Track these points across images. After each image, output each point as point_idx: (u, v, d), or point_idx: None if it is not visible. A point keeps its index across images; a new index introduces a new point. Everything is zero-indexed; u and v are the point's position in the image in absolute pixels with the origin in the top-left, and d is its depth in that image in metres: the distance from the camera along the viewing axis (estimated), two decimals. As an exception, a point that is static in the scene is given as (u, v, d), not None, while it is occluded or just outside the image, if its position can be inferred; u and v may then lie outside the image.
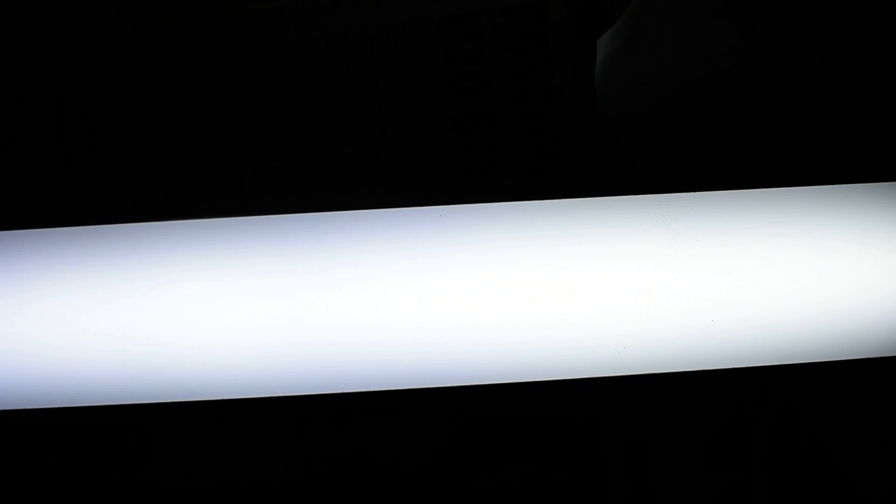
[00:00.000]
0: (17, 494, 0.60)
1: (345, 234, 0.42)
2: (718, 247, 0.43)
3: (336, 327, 0.42)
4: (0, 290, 0.42)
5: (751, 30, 0.52)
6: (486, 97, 0.59)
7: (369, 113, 0.59)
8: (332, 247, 0.42)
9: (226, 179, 0.59)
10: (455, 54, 0.59)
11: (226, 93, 0.59)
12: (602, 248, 0.42)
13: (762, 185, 0.43)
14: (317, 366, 0.43)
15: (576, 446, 0.60)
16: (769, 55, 0.52)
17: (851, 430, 0.57)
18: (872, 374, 0.48)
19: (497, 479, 0.60)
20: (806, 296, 0.43)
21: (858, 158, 0.53)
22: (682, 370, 0.43)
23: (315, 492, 0.60)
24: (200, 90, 0.59)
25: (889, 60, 0.51)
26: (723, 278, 0.43)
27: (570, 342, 0.43)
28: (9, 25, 0.58)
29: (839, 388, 0.57)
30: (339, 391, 0.43)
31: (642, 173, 0.56)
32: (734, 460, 0.59)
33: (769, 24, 0.52)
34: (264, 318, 0.42)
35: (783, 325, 0.43)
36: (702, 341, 0.43)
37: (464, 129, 0.59)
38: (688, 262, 0.42)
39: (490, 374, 0.43)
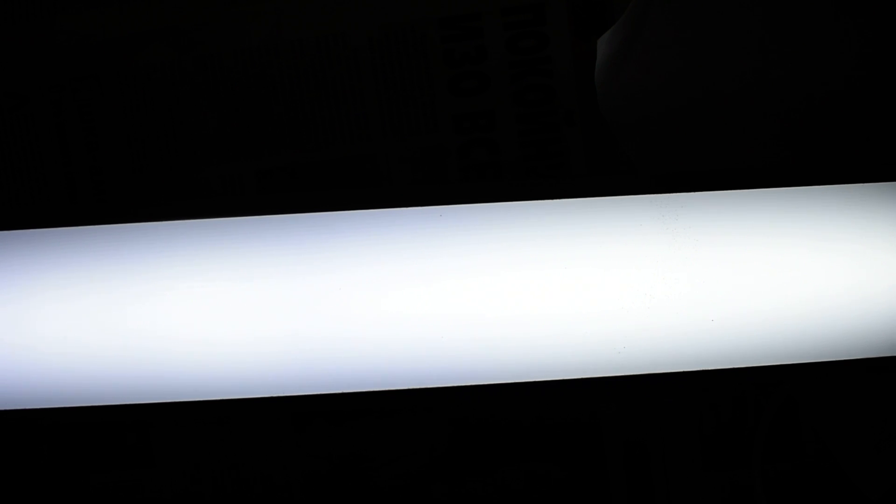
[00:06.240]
0: (16, 494, 0.60)
1: (345, 235, 0.42)
2: (718, 247, 0.43)
3: (335, 327, 0.42)
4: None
5: (758, 32, 0.52)
6: (486, 97, 0.59)
7: (369, 113, 0.59)
8: (331, 247, 0.42)
9: (226, 179, 0.59)
10: (455, 54, 0.59)
11: (226, 93, 0.59)
12: (602, 249, 0.42)
13: (762, 185, 0.43)
14: (316, 366, 0.42)
15: (576, 446, 0.60)
16: (776, 58, 0.52)
17: (851, 430, 0.57)
18: (872, 374, 0.48)
19: (497, 479, 0.60)
20: (806, 296, 0.43)
21: (858, 158, 0.53)
22: (682, 370, 0.43)
23: (315, 492, 0.60)
24: (200, 90, 0.59)
25: (889, 61, 0.51)
26: (723, 278, 0.42)
27: (569, 342, 0.43)
28: (9, 25, 0.58)
29: (839, 388, 0.57)
30: (339, 391, 0.43)
31: (642, 173, 0.56)
32: (734, 460, 0.59)
33: (776, 28, 0.52)
34: (262, 318, 0.42)
35: (783, 325, 0.43)
36: (702, 341, 0.43)
37: (464, 129, 0.59)
38: (688, 263, 0.42)
39: (490, 375, 0.43)
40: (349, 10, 0.59)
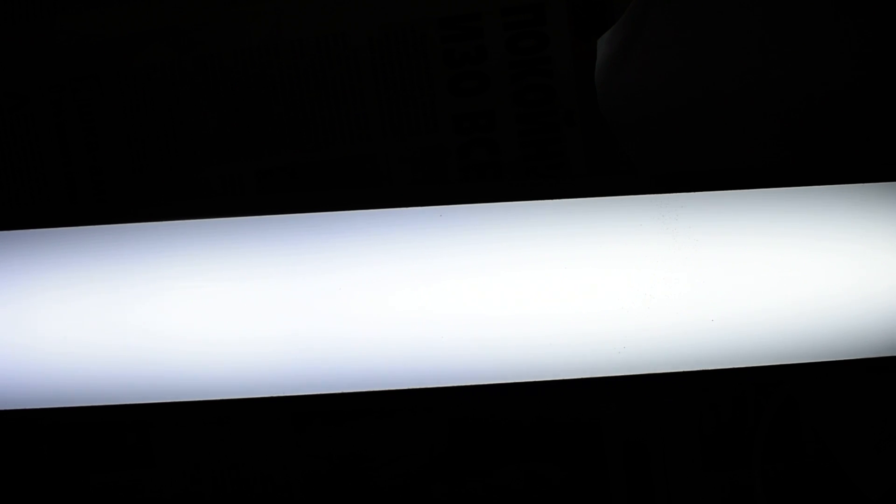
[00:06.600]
0: (16, 494, 0.60)
1: (345, 235, 0.42)
2: (718, 247, 0.43)
3: (335, 327, 0.42)
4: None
5: (758, 32, 0.52)
6: (486, 97, 0.59)
7: (369, 113, 0.59)
8: (331, 247, 0.42)
9: (226, 179, 0.59)
10: (455, 54, 0.59)
11: (226, 93, 0.59)
12: (602, 249, 0.42)
13: (762, 185, 0.43)
14: (316, 366, 0.42)
15: (575, 446, 0.60)
16: (776, 58, 0.52)
17: (851, 430, 0.57)
18: (872, 374, 0.48)
19: (497, 479, 0.60)
20: (806, 296, 0.43)
21: (858, 158, 0.53)
22: (682, 370, 0.43)
23: (315, 492, 0.60)
24: (200, 90, 0.59)
25: (889, 61, 0.51)
26: (723, 278, 0.43)
27: (569, 342, 0.43)
28: (9, 25, 0.58)
29: (839, 388, 0.57)
30: (339, 391, 0.43)
31: (642, 173, 0.56)
32: (734, 460, 0.59)
33: (776, 28, 0.52)
34: (262, 318, 0.42)
35: (783, 325, 0.43)
36: (702, 341, 0.43)
37: (464, 129, 0.59)
38: (688, 263, 0.42)
39: (490, 375, 0.43)
40: (349, 10, 0.59)
